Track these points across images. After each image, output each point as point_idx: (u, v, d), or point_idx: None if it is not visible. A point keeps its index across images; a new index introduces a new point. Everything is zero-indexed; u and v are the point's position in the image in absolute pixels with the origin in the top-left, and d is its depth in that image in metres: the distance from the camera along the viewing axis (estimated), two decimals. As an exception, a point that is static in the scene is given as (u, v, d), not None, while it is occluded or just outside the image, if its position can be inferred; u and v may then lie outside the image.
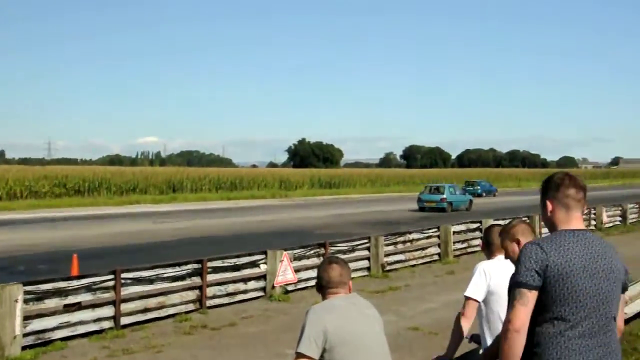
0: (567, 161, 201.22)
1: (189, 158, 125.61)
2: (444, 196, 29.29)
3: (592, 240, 2.30)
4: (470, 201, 30.95)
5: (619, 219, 22.51)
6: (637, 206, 24.12)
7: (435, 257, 13.88)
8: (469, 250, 14.93)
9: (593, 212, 20.75)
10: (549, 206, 2.36)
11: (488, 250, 3.73)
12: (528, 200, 35.08)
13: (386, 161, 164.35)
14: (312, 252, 10.83)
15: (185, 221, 22.54)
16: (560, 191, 2.35)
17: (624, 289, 2.35)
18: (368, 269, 11.98)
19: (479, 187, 44.07)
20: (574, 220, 2.34)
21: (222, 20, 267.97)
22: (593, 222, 20.61)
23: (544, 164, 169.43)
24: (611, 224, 21.68)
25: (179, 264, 8.40)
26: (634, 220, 23.43)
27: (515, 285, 2.21)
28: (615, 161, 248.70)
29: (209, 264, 8.70)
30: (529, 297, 2.17)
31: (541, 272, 2.19)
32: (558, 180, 2.38)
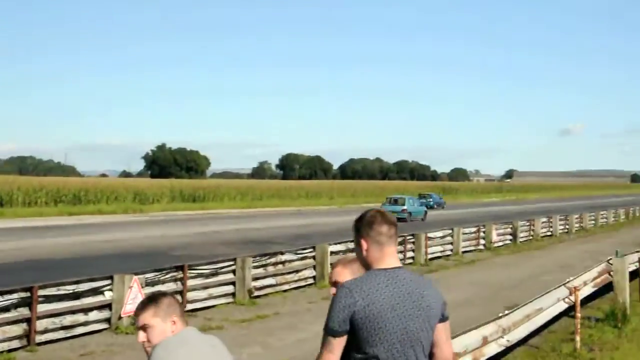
0: (458, 173, 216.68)
1: (22, 165, 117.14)
2: (405, 207, 36.82)
3: (403, 278, 2.61)
4: (425, 212, 39.22)
5: (510, 237, 24.56)
6: (527, 224, 26.69)
7: (310, 281, 14.24)
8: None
9: (483, 230, 22.68)
10: (364, 245, 2.65)
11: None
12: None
13: (260, 171, 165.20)
14: (168, 276, 10.75)
15: (14, 241, 21.41)
16: (374, 229, 2.65)
17: (445, 319, 2.66)
18: (233, 294, 12.06)
19: (431, 200, 53.28)
20: (387, 257, 2.65)
21: (63, 12, 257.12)
22: (482, 242, 22.52)
23: (434, 176, 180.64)
24: (501, 243, 23.70)
25: (2, 293, 8.14)
26: (524, 238, 25.83)
27: (324, 331, 2.52)
28: (509, 174, 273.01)
29: (41, 292, 8.53)
30: (334, 345, 2.47)
31: (348, 318, 2.47)
32: (371, 218, 2.69)
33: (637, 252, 14.30)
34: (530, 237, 26.39)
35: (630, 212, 43.14)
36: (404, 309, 2.53)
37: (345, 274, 2.92)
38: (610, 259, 11.65)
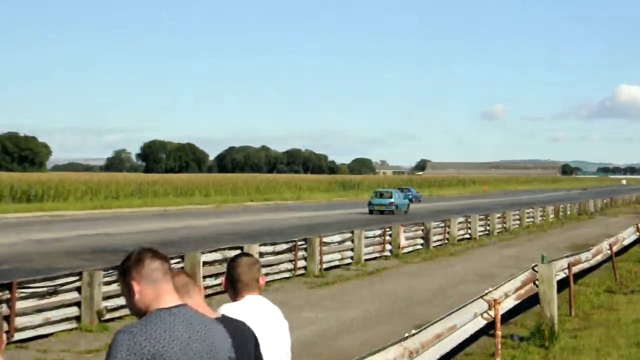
0: (361, 165, 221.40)
1: None
2: (393, 200, 46.96)
3: (190, 317, 2.83)
4: (408, 205, 49.68)
5: (421, 241, 25.48)
6: (442, 225, 27.69)
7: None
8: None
9: (389, 233, 23.27)
10: (136, 287, 2.84)
11: (233, 290, 3.99)
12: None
13: (116, 163, 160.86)
14: (-12, 297, 10.31)
15: None
16: (144, 267, 2.85)
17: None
18: (77, 318, 11.82)
19: (409, 193, 64.30)
20: (166, 295, 2.85)
21: None
22: (389, 247, 23.12)
23: (333, 168, 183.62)
24: (411, 248, 24.49)
25: None
26: (438, 242, 26.81)
27: None
28: (422, 165, 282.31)
29: None
30: None
31: None
32: (139, 256, 2.89)
33: (567, 257, 15.19)
34: (445, 241, 27.41)
35: (561, 209, 45.93)
36: (194, 350, 2.74)
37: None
38: (536, 265, 12.29)
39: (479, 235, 30.46)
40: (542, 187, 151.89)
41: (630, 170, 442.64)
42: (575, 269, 15.14)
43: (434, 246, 25.91)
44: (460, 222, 29.20)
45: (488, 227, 32.13)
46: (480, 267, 20.90)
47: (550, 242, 29.16)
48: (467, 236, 29.69)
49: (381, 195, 49.14)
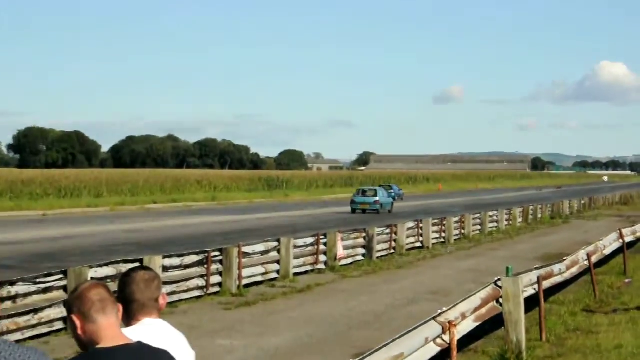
0: (291, 158, 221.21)
1: None
2: (377, 198, 53.09)
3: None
4: (392, 203, 56.41)
5: (362, 251, 25.70)
6: (388, 231, 27.90)
7: (59, 325, 13.88)
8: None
9: (323, 241, 23.31)
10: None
11: (126, 312, 3.94)
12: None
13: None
14: None
15: None
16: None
17: None
18: None
19: (392, 191, 70.11)
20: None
21: None
22: (323, 258, 23.17)
23: (256, 162, 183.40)
24: (350, 260, 24.70)
25: None
26: (383, 252, 27.05)
27: None
28: (365, 159, 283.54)
29: None
30: None
31: None
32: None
33: (537, 269, 15.46)
34: (392, 251, 27.64)
35: (530, 212, 46.91)
36: None
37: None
38: (499, 280, 12.46)
39: (433, 244, 30.84)
40: (508, 185, 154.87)
41: (613, 164, 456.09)
42: (546, 284, 15.42)
43: (378, 257, 26.09)
44: (409, 228, 29.48)
45: (443, 234, 32.56)
46: (433, 283, 21.12)
47: (517, 251, 29.70)
48: (418, 245, 30.02)
49: (365, 193, 55.27)
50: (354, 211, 52.80)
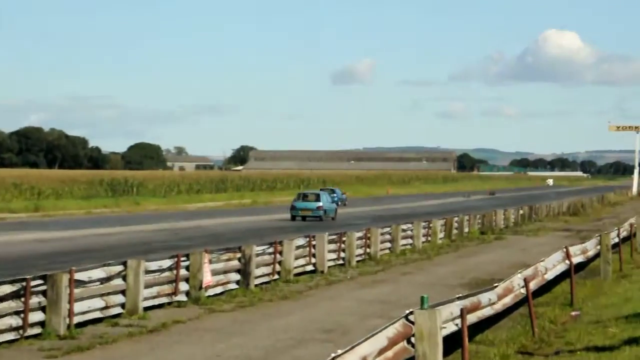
0: (142, 154, 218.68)
1: None
2: (321, 204, 60.31)
3: None
4: (336, 209, 64.32)
5: (236, 277, 25.67)
6: (270, 251, 27.76)
7: None
8: None
9: (185, 264, 23.08)
10: None
11: None
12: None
13: None
14: None
15: None
16: None
17: None
18: None
19: (335, 195, 78.63)
20: None
21: None
22: (185, 286, 23.04)
23: (97, 159, 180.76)
24: (221, 288, 24.67)
25: None
26: (264, 279, 27.03)
27: None
28: (242, 155, 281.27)
29: None
30: None
31: None
32: None
33: (461, 299, 15.68)
34: (276, 277, 27.69)
35: (455, 225, 47.52)
36: None
37: None
38: (411, 313, 12.59)
39: (329, 267, 30.99)
40: (427, 189, 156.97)
41: (561, 163, 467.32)
42: (472, 318, 15.65)
43: (257, 284, 26.11)
44: (298, 247, 29.53)
45: (342, 254, 32.74)
46: (327, 318, 21.20)
47: (437, 276, 30.11)
48: (310, 268, 30.10)
49: (306, 198, 63.72)
50: (294, 218, 60.42)
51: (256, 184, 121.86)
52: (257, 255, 26.63)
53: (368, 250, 35.33)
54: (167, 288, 22.60)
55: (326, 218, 60.68)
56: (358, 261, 33.59)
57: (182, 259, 23.40)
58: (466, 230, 49.28)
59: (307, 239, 30.81)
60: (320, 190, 77.40)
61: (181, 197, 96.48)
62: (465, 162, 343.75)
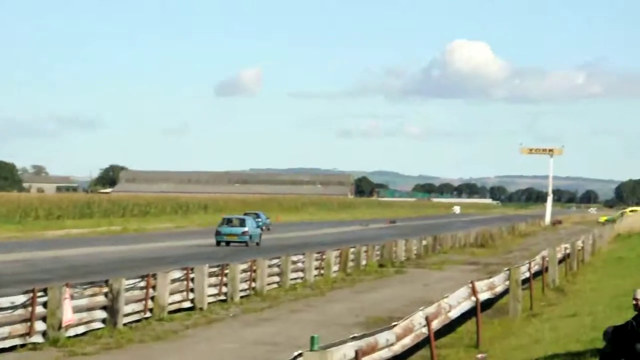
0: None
1: None
2: (246, 229, 66.97)
3: None
4: (260, 235, 71.62)
5: (102, 315, 25.24)
6: (142, 284, 27.57)
7: None
8: None
9: (42, 300, 22.61)
10: None
11: None
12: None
13: None
14: None
15: None
16: None
17: None
18: None
19: (260, 220, 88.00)
20: None
21: None
22: (42, 326, 22.52)
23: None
24: (84, 328, 24.26)
25: None
26: (135, 316, 26.70)
27: None
28: (112, 176, 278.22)
29: None
30: None
31: None
32: None
33: (356, 339, 15.67)
34: (148, 314, 27.48)
35: (351, 257, 47.60)
36: None
37: None
38: (300, 355, 12.56)
39: (209, 303, 30.83)
40: (322, 216, 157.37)
41: (469, 189, 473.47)
42: (367, 362, 15.65)
43: (126, 323, 25.80)
44: (175, 280, 29.30)
45: (224, 289, 32.58)
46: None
47: (330, 314, 30.16)
48: (188, 304, 29.88)
49: (230, 223, 70.64)
50: (218, 243, 67.32)
51: (127, 209, 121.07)
52: (127, 289, 26.32)
53: (253, 284, 35.22)
54: (20, 328, 22.15)
55: (251, 243, 67.39)
56: (242, 297, 33.46)
57: (39, 294, 22.99)
58: (363, 262, 49.37)
59: (185, 272, 30.58)
60: (244, 214, 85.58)
61: (39, 223, 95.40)
62: (364, 187, 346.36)
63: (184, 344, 23.85)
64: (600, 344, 18.38)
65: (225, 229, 68.36)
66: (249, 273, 34.99)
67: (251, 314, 30.18)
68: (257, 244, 68.65)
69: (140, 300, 27.35)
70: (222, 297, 32.36)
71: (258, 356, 21.37)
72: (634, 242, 73.74)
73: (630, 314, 14.39)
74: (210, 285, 31.50)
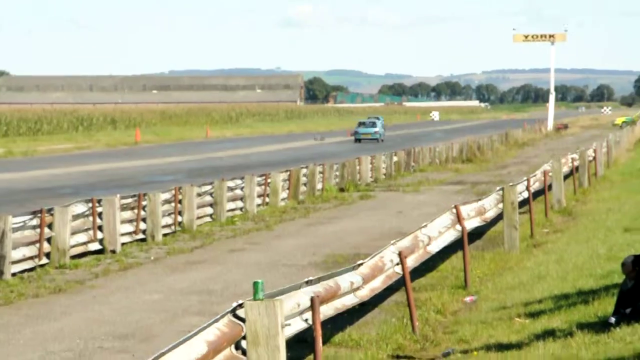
0: None
1: None
2: (377, 129, 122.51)
3: None
4: (383, 133, 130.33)
5: None
6: (35, 222, 27.45)
7: None
8: None
9: None
10: None
11: None
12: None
13: None
14: None
15: None
16: None
17: None
18: None
19: (381, 121, 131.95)
20: None
21: None
22: None
23: None
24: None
25: None
26: (26, 264, 26.71)
27: None
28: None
29: None
30: None
31: None
32: None
33: (312, 284, 15.81)
34: (44, 261, 27.42)
35: (303, 180, 47.56)
36: None
37: None
38: (241, 306, 12.68)
39: (123, 244, 30.84)
40: (265, 130, 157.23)
41: (449, 89, 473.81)
42: (328, 310, 15.84)
43: (16, 272, 25.83)
44: (77, 216, 29.18)
45: (142, 225, 32.54)
46: (121, 318, 21.03)
47: (278, 252, 30.30)
48: (97, 246, 29.81)
49: (364, 125, 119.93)
50: (358, 140, 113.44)
51: (11, 126, 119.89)
52: (15, 230, 26.25)
53: (180, 218, 35.20)
54: None
55: (380, 140, 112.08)
56: (166, 234, 33.42)
57: None
58: (319, 186, 49.51)
59: (90, 205, 30.40)
60: (368, 118, 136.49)
61: None
62: (317, 90, 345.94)
63: (91, 297, 23.76)
64: (619, 278, 18.69)
65: (362, 129, 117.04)
66: (172, 204, 34.93)
67: (178, 255, 30.14)
68: (382, 140, 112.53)
69: (32, 243, 27.16)
70: (140, 236, 32.27)
71: (188, 308, 21.43)
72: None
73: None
74: (124, 221, 31.38)
